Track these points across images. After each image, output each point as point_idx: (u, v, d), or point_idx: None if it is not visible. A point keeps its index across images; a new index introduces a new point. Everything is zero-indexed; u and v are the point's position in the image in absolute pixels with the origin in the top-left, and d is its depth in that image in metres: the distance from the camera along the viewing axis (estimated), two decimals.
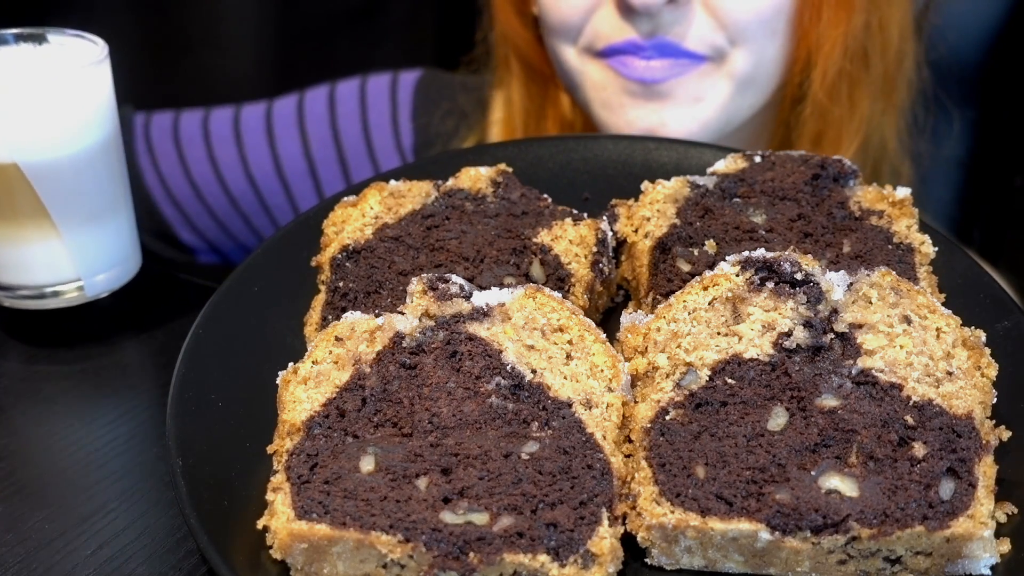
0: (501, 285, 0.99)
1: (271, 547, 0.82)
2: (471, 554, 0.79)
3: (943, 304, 0.95)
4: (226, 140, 1.67)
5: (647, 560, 0.84)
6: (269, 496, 0.84)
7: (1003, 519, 0.84)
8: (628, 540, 0.84)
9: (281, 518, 0.81)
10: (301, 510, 0.82)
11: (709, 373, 0.89)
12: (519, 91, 1.51)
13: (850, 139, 1.40)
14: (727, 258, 0.93)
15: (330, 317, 0.99)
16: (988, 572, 0.82)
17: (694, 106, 1.31)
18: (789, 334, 0.89)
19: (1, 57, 1.09)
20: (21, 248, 1.08)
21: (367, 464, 0.85)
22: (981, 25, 1.67)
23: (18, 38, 1.11)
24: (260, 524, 0.83)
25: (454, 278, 0.94)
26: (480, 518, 0.81)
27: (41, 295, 1.11)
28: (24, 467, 1.01)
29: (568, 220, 1.05)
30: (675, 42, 1.28)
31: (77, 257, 1.09)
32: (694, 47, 1.29)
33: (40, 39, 1.11)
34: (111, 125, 1.08)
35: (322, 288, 1.03)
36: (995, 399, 0.88)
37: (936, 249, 1.01)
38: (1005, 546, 0.82)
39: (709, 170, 1.10)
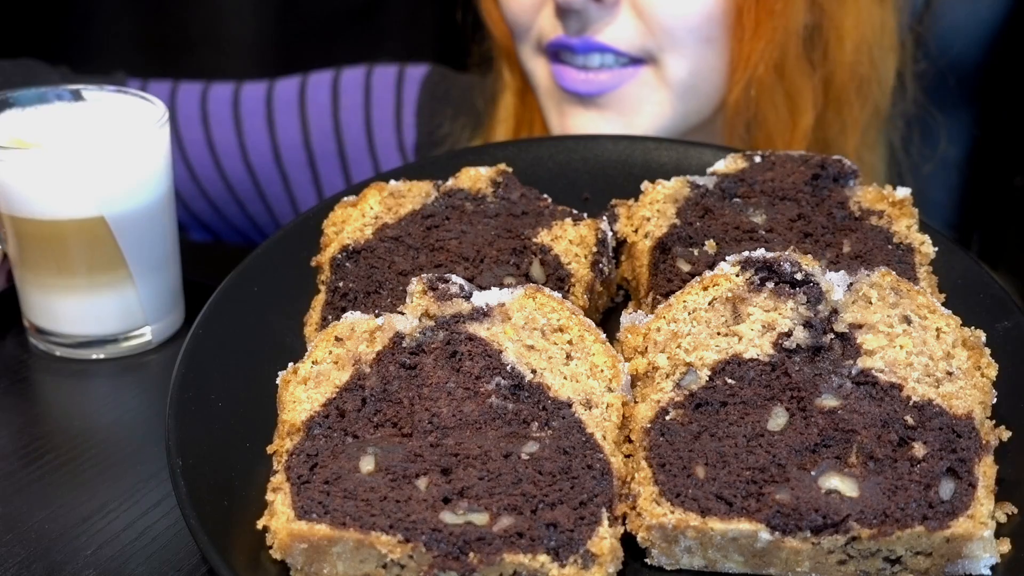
0: (501, 285, 0.99)
1: (271, 547, 0.82)
2: (471, 554, 0.79)
3: (943, 304, 0.95)
4: (225, 123, 1.66)
5: (647, 560, 0.84)
6: (269, 496, 0.84)
7: (1003, 519, 0.84)
8: (628, 540, 0.84)
9: (281, 518, 0.81)
10: (301, 510, 0.81)
11: (709, 373, 0.89)
12: (512, 97, 1.52)
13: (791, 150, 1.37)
14: (727, 258, 0.93)
15: (330, 317, 0.99)
16: (988, 572, 0.81)
17: (630, 116, 1.33)
18: (789, 334, 0.89)
19: (59, 115, 1.16)
20: (94, 299, 1.13)
21: (367, 464, 0.85)
22: (980, 25, 1.67)
23: (58, 96, 1.17)
24: (260, 524, 0.83)
25: (454, 278, 0.94)
26: (480, 518, 0.81)
27: (103, 342, 1.15)
28: (24, 467, 1.00)
29: (568, 220, 1.05)
30: (603, 42, 1.30)
31: (146, 304, 1.14)
32: (623, 48, 1.30)
33: (77, 95, 1.17)
34: (171, 174, 1.16)
35: (322, 288, 1.03)
36: (995, 399, 0.88)
37: (936, 249, 1.01)
38: (1005, 546, 0.82)
39: (709, 170, 1.10)
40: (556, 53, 1.34)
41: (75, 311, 1.13)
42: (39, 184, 1.08)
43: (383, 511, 0.81)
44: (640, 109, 1.33)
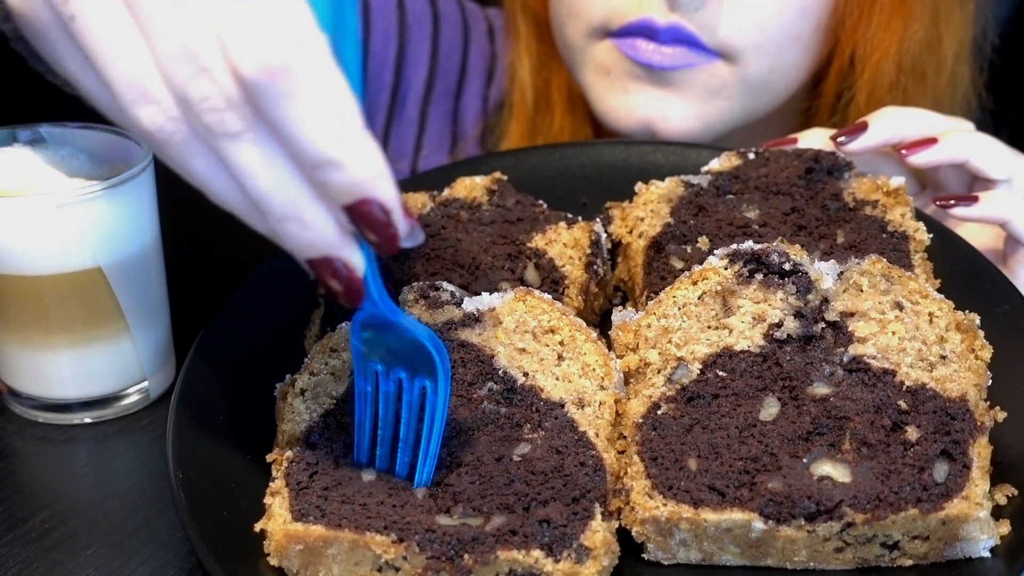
0: (496, 290, 0.99)
1: (269, 555, 0.83)
2: (466, 556, 0.79)
3: (942, 291, 0.94)
4: None
5: (644, 556, 0.84)
6: (267, 500, 0.85)
7: (1003, 501, 0.83)
8: (626, 537, 0.84)
9: (278, 520, 0.82)
10: (298, 513, 0.82)
11: (700, 367, 0.88)
12: (528, 56, 1.43)
13: None
14: (715, 252, 0.93)
15: (329, 329, 1.00)
16: (987, 554, 0.81)
17: (700, 103, 1.26)
18: (780, 325, 0.89)
19: (20, 159, 1.05)
20: (88, 357, 1.05)
21: (368, 475, 0.86)
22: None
23: (13, 137, 1.07)
24: (258, 527, 0.84)
25: (445, 285, 0.94)
26: (475, 521, 0.81)
27: (93, 404, 1.06)
28: (24, 467, 1.01)
29: (562, 224, 1.06)
30: (691, 31, 1.22)
31: (144, 357, 1.07)
32: (709, 41, 1.23)
33: (36, 135, 1.07)
34: (157, 218, 1.08)
35: (321, 301, 1.04)
36: (990, 381, 0.87)
37: (931, 236, 1.01)
38: (1004, 528, 0.81)
39: (703, 169, 1.10)
40: (627, 35, 1.25)
41: (66, 371, 1.05)
42: (26, 237, 0.98)
43: (379, 514, 0.82)
44: (710, 97, 1.27)
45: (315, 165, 0.70)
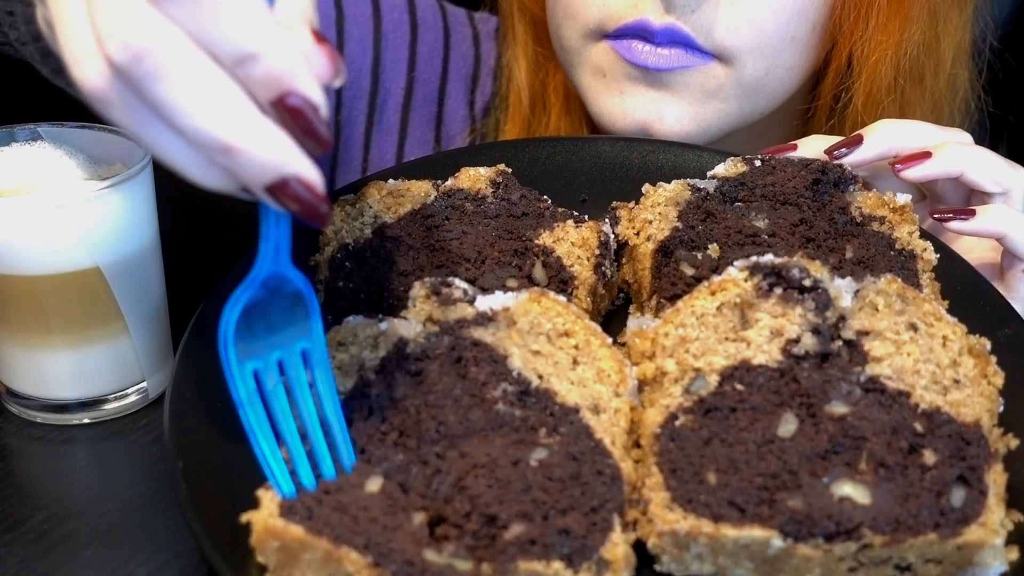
0: (504, 287, 0.98)
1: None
2: (484, 564, 0.77)
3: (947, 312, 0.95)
4: None
5: (656, 567, 0.84)
6: (260, 492, 0.82)
7: (1011, 527, 0.84)
8: (638, 547, 0.83)
9: (263, 512, 0.80)
10: (287, 509, 0.80)
11: (718, 379, 0.88)
12: (525, 57, 1.42)
13: None
14: (735, 263, 0.93)
15: (329, 317, 0.98)
16: None
17: (696, 105, 1.25)
18: (797, 340, 0.89)
19: (19, 158, 1.04)
20: (87, 357, 1.03)
21: (373, 485, 0.83)
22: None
23: (11, 137, 1.05)
24: (244, 518, 0.81)
25: (457, 282, 0.92)
26: (464, 565, 0.78)
27: (91, 404, 1.04)
28: (23, 467, 0.98)
29: (570, 222, 1.04)
30: (687, 33, 1.21)
31: (142, 357, 1.05)
32: (705, 42, 1.22)
33: (34, 135, 1.05)
34: (156, 217, 1.06)
35: (321, 288, 1.01)
36: (1002, 407, 0.88)
37: (937, 256, 1.02)
38: (1014, 554, 0.82)
39: (709, 173, 1.09)
40: (622, 36, 1.24)
41: (65, 371, 1.03)
42: (25, 236, 0.97)
43: (365, 531, 0.79)
44: (706, 100, 1.25)
45: (236, 61, 0.72)
